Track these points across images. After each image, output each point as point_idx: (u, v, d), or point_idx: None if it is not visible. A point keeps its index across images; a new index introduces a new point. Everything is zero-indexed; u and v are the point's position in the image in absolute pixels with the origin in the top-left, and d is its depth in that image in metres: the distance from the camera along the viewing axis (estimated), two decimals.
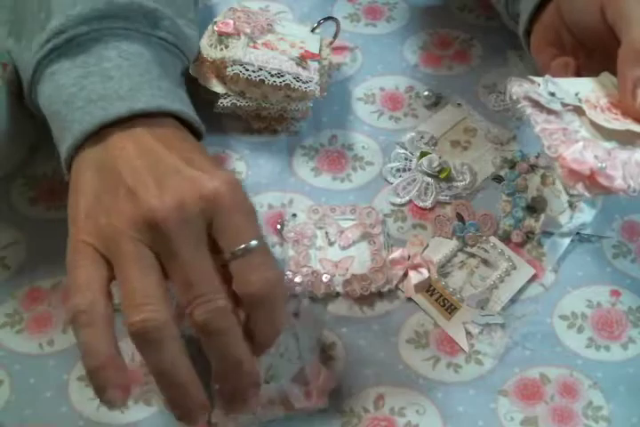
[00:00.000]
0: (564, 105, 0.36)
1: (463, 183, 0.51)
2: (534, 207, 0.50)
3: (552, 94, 0.36)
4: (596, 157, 0.34)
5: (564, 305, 0.48)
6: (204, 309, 0.35)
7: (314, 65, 0.51)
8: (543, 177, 0.52)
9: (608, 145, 0.35)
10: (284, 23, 0.54)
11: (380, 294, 0.48)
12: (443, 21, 0.60)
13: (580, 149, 0.34)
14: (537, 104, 0.36)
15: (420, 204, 0.51)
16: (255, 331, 0.37)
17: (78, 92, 0.40)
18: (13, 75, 0.47)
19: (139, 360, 0.45)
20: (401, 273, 0.48)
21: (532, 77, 0.37)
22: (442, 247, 0.49)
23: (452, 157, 0.53)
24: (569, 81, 0.38)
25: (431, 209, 0.51)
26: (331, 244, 0.49)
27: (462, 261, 0.49)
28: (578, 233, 0.50)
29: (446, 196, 0.51)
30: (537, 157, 0.53)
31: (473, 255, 0.49)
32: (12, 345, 0.46)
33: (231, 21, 0.51)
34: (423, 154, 0.52)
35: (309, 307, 0.46)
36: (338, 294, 0.48)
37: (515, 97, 0.36)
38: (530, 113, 0.36)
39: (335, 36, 0.55)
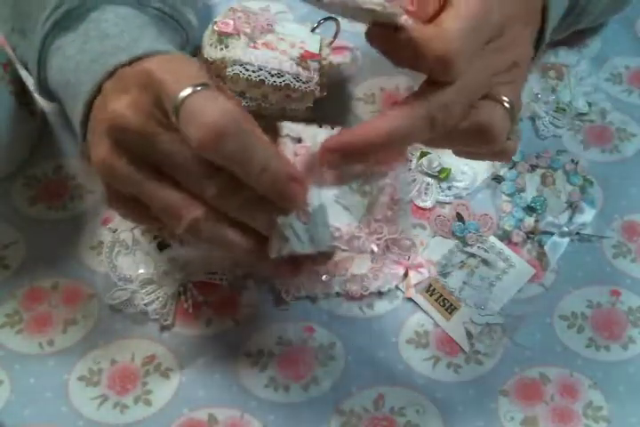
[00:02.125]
0: None
1: (463, 183, 0.51)
2: (534, 207, 0.50)
3: None
4: None
5: (564, 305, 0.48)
6: (215, 188, 0.33)
7: (314, 65, 0.51)
8: (543, 177, 0.52)
9: None
10: (283, 23, 0.54)
11: (379, 294, 0.48)
12: None
13: None
14: None
15: (420, 204, 0.51)
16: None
17: (82, 58, 0.40)
18: (14, 75, 0.47)
19: (139, 361, 0.45)
20: (401, 273, 0.48)
21: None
22: (442, 247, 0.49)
23: (451, 157, 0.52)
24: None
25: (431, 209, 0.51)
26: None
27: (462, 261, 0.49)
28: (578, 233, 0.50)
29: (446, 196, 0.51)
30: (537, 157, 0.53)
31: (473, 255, 0.49)
32: (12, 345, 0.46)
33: (231, 21, 0.51)
34: (423, 154, 0.52)
35: None
36: (338, 294, 0.48)
37: None
38: None
39: (335, 36, 0.54)
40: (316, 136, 0.36)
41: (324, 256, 0.37)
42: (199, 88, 0.32)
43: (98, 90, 0.38)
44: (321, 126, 0.38)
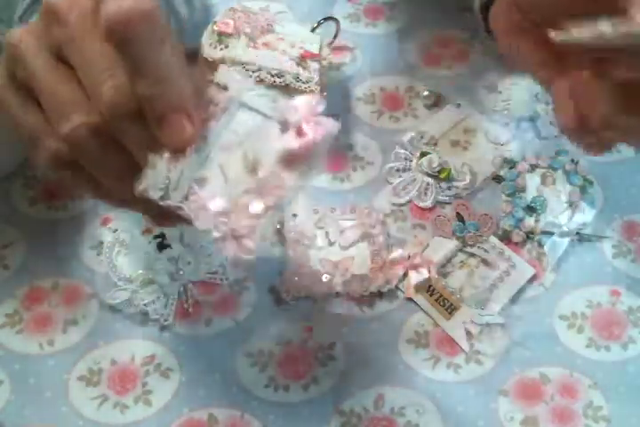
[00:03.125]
0: None
1: (463, 183, 0.51)
2: (534, 207, 0.50)
3: None
4: None
5: (564, 305, 0.48)
6: (111, 83, 0.29)
7: (314, 65, 0.51)
8: (543, 177, 0.52)
9: None
10: (283, 23, 0.54)
11: (380, 294, 0.48)
12: (443, 21, 0.59)
13: None
14: None
15: (420, 204, 0.51)
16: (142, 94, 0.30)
17: None
18: None
19: (139, 361, 0.45)
20: (401, 273, 0.48)
21: None
22: (442, 247, 0.49)
23: (451, 157, 0.53)
24: None
25: (431, 209, 0.51)
26: (331, 244, 0.49)
27: (462, 261, 0.49)
28: (578, 233, 0.50)
29: (446, 196, 0.51)
30: (537, 157, 0.53)
31: (473, 255, 0.49)
32: (12, 345, 0.46)
33: (231, 21, 0.51)
34: (423, 154, 0.52)
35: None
36: (338, 294, 0.48)
37: None
38: None
39: (335, 36, 0.54)
40: (243, 91, 0.33)
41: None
42: None
43: None
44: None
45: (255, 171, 0.33)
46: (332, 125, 0.31)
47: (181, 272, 0.47)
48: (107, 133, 0.31)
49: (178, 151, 0.31)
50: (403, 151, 0.53)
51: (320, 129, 0.32)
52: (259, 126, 0.33)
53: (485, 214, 0.50)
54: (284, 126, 0.32)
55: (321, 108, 0.32)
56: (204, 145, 0.32)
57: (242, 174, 0.32)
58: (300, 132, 0.32)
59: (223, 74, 0.33)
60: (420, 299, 0.48)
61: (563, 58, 0.37)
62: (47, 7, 0.32)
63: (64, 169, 0.32)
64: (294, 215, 0.50)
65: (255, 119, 0.33)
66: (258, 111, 0.33)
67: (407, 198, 0.51)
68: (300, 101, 0.32)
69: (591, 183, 0.52)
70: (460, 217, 0.50)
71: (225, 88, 0.33)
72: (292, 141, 0.32)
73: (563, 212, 0.51)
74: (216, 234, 0.32)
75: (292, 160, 0.32)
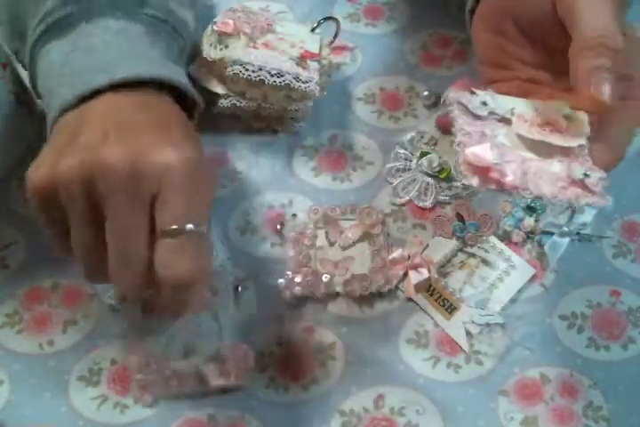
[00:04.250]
0: (493, 115, 0.37)
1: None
2: (534, 207, 0.50)
3: (484, 103, 0.37)
4: (493, 154, 0.35)
5: (564, 305, 0.48)
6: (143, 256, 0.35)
7: (314, 65, 0.51)
8: None
9: (524, 155, 0.36)
10: (283, 23, 0.54)
11: (380, 294, 0.48)
12: (443, 21, 0.60)
13: (486, 148, 0.35)
14: (465, 109, 0.37)
15: (420, 204, 0.51)
16: (163, 307, 0.37)
17: (64, 68, 0.40)
18: (13, 75, 0.47)
19: (137, 361, 0.45)
20: (401, 273, 0.48)
21: (474, 90, 0.38)
22: (442, 247, 0.49)
23: (452, 157, 0.52)
24: (511, 98, 0.39)
25: (431, 209, 0.51)
26: (331, 244, 0.49)
27: (462, 261, 0.49)
28: (578, 233, 0.50)
29: (446, 196, 0.51)
30: None
31: (473, 255, 0.49)
32: (12, 345, 0.46)
33: (231, 21, 0.51)
34: (423, 154, 0.52)
35: (235, 287, 0.47)
36: (338, 294, 0.48)
37: (447, 101, 0.37)
38: (456, 115, 0.37)
39: (335, 36, 0.55)
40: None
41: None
42: (192, 227, 0.34)
43: (71, 106, 0.38)
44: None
45: (188, 356, 0.44)
46: None
47: None
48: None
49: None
50: (403, 151, 0.53)
51: None
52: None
53: (485, 214, 0.50)
54: None
55: None
56: None
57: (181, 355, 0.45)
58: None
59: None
60: (420, 299, 0.48)
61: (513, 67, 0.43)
62: (96, 164, 0.34)
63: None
64: (294, 215, 0.50)
65: None
66: None
67: (407, 198, 0.51)
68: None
69: None
70: (459, 217, 0.50)
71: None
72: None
73: (563, 212, 0.51)
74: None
75: None
